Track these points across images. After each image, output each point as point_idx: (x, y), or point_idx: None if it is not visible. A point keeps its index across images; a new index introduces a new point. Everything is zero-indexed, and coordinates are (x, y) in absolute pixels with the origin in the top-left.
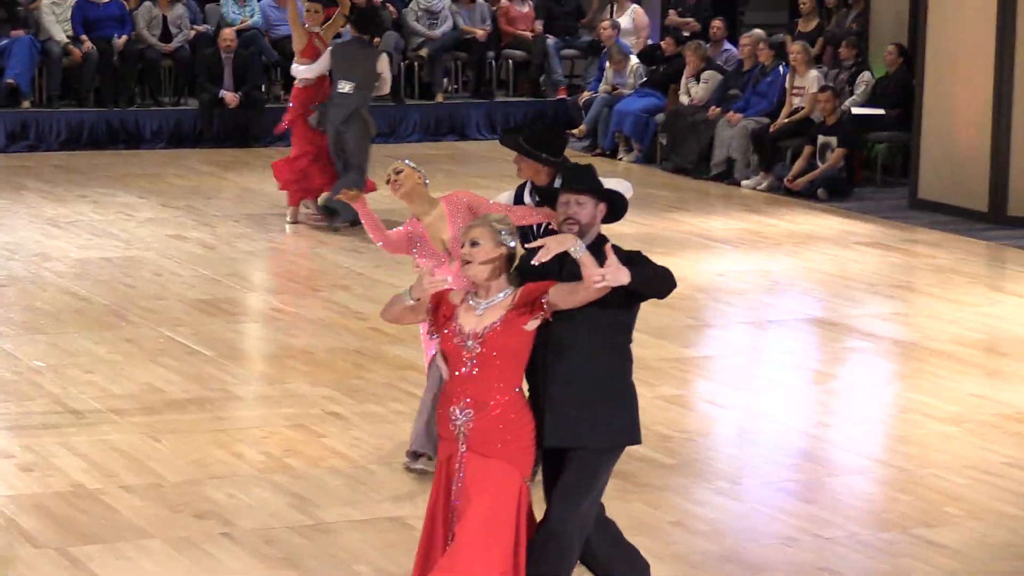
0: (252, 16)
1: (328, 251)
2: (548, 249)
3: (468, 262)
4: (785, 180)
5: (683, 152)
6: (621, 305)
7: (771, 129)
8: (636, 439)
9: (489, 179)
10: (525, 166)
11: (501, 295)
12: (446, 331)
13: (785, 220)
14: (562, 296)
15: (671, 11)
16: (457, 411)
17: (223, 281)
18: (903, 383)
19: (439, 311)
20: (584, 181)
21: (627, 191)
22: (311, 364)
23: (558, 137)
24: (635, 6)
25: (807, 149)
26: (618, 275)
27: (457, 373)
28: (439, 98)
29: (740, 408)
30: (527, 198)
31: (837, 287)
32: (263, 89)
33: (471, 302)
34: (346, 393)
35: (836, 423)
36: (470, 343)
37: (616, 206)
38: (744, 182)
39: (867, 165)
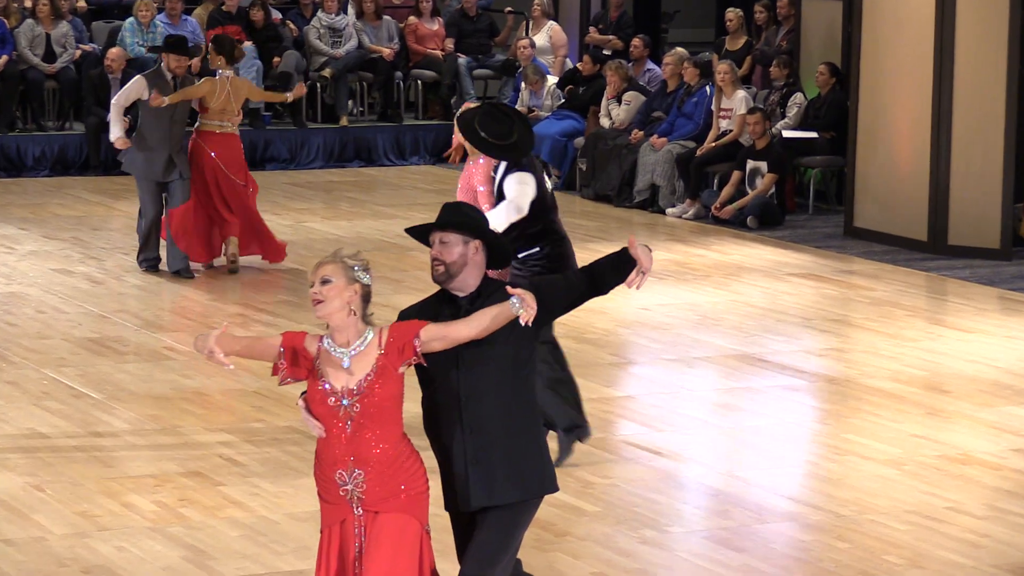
0: (153, 42)
1: (224, 286)
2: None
3: (319, 302)
4: (713, 208)
5: (604, 178)
6: (526, 336)
7: (697, 153)
8: (554, 486)
9: (396, 207)
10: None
11: (363, 339)
12: (315, 391)
13: (713, 250)
14: (438, 335)
15: (591, 28)
16: (345, 475)
17: (111, 318)
18: (838, 423)
19: (297, 361)
20: (448, 216)
21: (511, 212)
22: (206, 407)
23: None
24: (552, 23)
25: (736, 175)
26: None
27: (336, 434)
28: (343, 121)
29: (665, 451)
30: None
31: (768, 321)
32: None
33: (333, 352)
34: (244, 438)
35: (767, 466)
36: (346, 402)
37: (495, 248)
38: (669, 210)
39: (799, 192)
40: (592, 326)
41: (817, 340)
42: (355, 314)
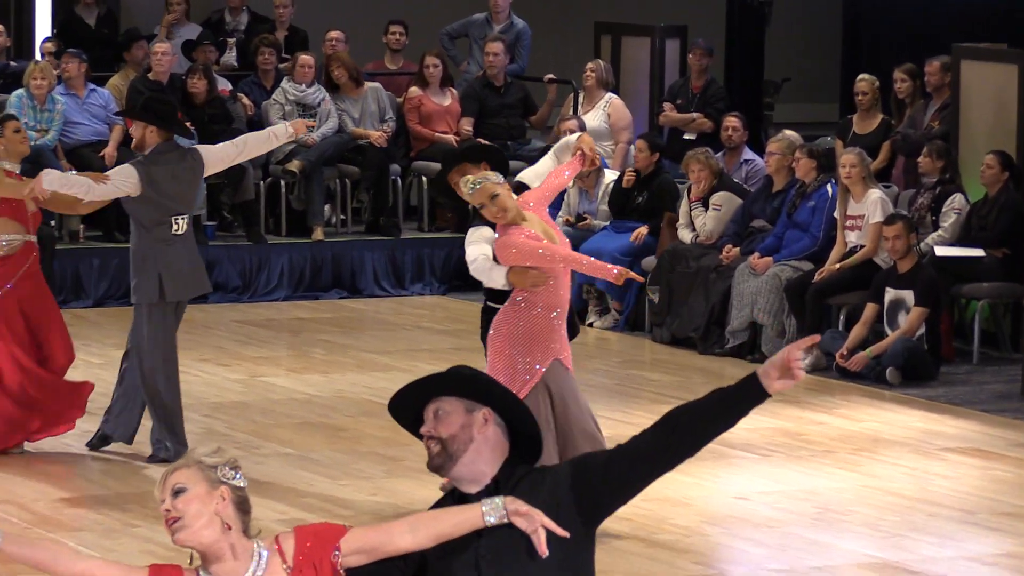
0: (49, 131)
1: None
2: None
3: (175, 520)
4: (837, 356)
5: (685, 314)
6: (576, 541)
7: (815, 279)
8: None
9: (392, 355)
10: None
11: (257, 561)
12: None
13: (838, 415)
14: (365, 546)
15: (665, 105)
16: None
17: None
18: None
19: None
20: (445, 376)
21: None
22: None
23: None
24: (612, 96)
25: (870, 309)
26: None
27: None
28: (318, 234)
29: None
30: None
31: (917, 516)
32: (52, 224)
33: None
34: None
35: None
36: None
37: (519, 426)
38: None
39: (960, 333)
40: (667, 522)
41: (985, 543)
42: (230, 528)
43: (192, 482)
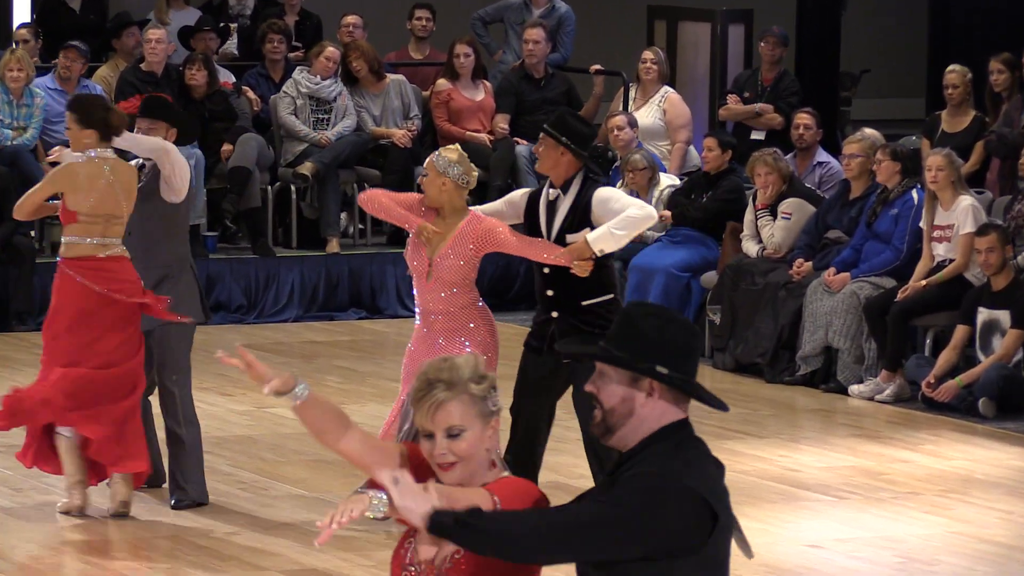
0: (28, 128)
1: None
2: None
3: (451, 464)
4: (924, 384)
5: (750, 337)
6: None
7: (898, 297)
8: None
9: None
10: (545, 154)
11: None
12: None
13: (924, 452)
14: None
15: (729, 97)
16: None
17: None
18: None
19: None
20: (613, 337)
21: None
22: None
23: (587, 126)
24: (668, 90)
25: (960, 332)
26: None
27: None
28: (333, 246)
29: None
30: (542, 207)
31: (1011, 566)
32: (32, 234)
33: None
34: None
35: None
36: None
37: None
38: (854, 388)
39: None
40: (731, 573)
41: None
42: (495, 466)
43: (468, 421)
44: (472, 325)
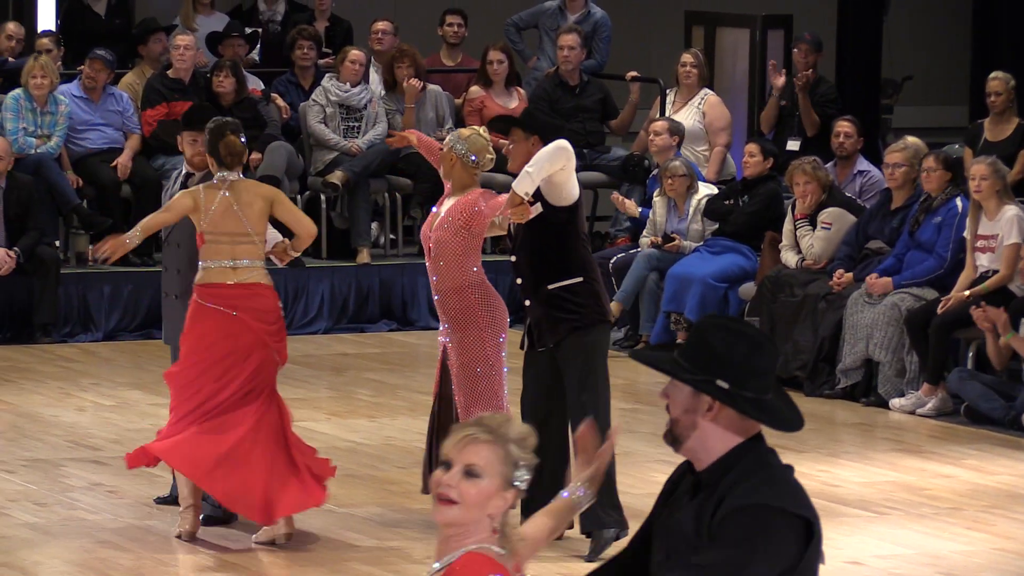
0: (52, 136)
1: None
2: None
3: (450, 502)
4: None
5: (789, 349)
6: None
7: (940, 308)
8: None
9: None
10: (516, 150)
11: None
12: None
13: (967, 467)
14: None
15: (770, 102)
16: None
17: None
18: None
19: None
20: (684, 352)
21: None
22: None
23: (555, 118)
24: (708, 92)
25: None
26: None
27: None
28: (363, 257)
29: None
30: None
31: None
32: (57, 244)
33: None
34: None
35: None
36: None
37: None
38: (895, 401)
39: None
40: None
41: None
42: (495, 533)
43: (491, 471)
44: (469, 308)
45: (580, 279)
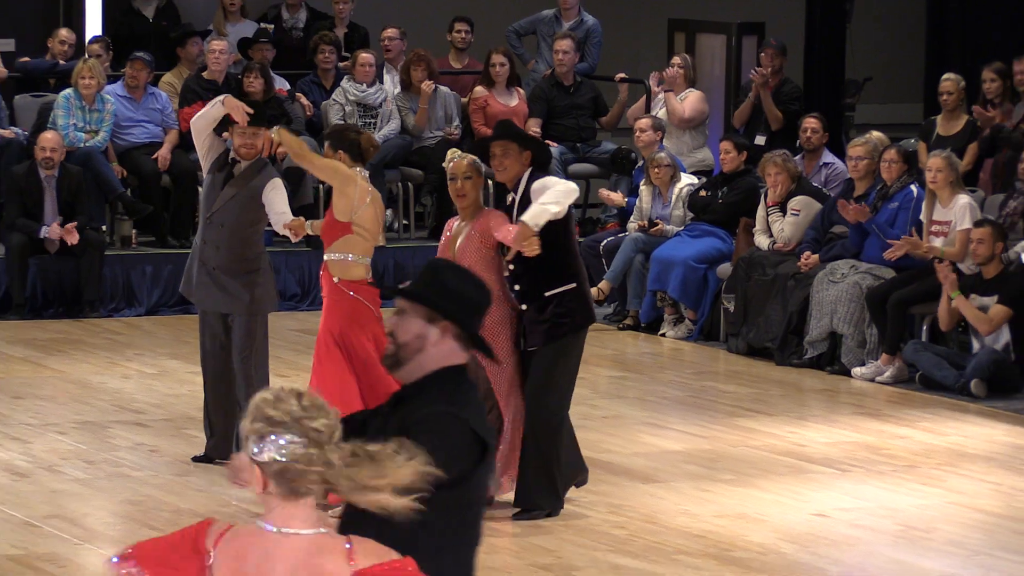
0: (99, 131)
1: (211, 479)
2: None
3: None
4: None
5: (761, 323)
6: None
7: (898, 286)
8: None
9: None
10: (509, 163)
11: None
12: None
13: (921, 429)
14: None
15: (747, 99)
16: None
17: (42, 527)
18: None
19: None
20: (420, 280)
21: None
22: None
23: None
24: (693, 92)
25: (953, 314)
26: None
27: None
28: (379, 240)
29: None
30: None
31: (1004, 535)
32: (104, 228)
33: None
34: None
35: None
36: None
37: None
38: (857, 370)
39: None
40: (742, 539)
41: None
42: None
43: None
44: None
45: (574, 285)
